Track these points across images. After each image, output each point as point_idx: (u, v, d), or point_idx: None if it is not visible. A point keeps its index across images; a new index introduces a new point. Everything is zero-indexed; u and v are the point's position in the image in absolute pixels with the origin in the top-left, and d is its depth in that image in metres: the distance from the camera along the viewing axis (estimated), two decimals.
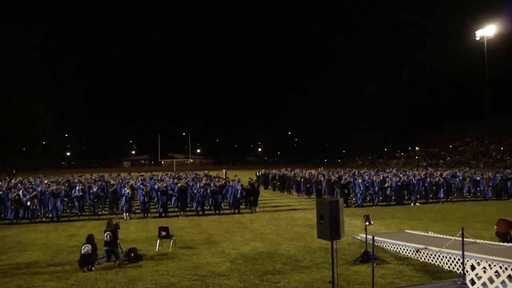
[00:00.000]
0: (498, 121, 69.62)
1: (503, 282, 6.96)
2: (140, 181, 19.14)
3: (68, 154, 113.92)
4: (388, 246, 10.31)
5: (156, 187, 17.80)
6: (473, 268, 7.38)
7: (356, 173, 25.48)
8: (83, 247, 9.13)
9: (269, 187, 29.97)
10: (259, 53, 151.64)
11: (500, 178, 22.44)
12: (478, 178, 22.75)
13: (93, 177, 25.20)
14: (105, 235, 9.69)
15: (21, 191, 16.25)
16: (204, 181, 19.31)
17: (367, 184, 19.84)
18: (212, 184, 18.03)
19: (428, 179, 20.96)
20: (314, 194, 22.51)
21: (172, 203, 18.23)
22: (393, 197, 19.96)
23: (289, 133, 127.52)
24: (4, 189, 17.01)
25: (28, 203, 15.71)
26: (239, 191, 17.85)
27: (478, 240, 9.27)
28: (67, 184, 19.85)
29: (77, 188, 17.58)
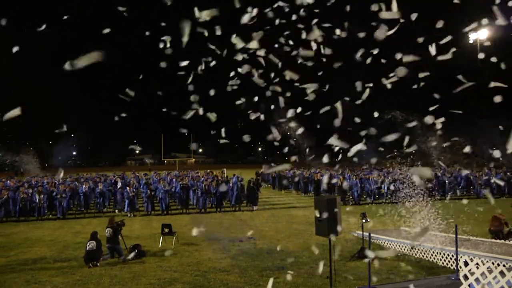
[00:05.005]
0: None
1: (495, 278, 7.18)
2: (145, 180, 19.43)
3: (74, 153, 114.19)
4: (384, 242, 10.58)
5: (160, 186, 18.05)
6: (466, 264, 7.57)
7: (353, 172, 25.69)
8: (88, 244, 9.37)
9: (269, 185, 30.21)
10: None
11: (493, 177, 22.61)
12: (471, 177, 23.06)
13: (99, 175, 25.55)
14: (106, 231, 9.95)
15: (29, 189, 16.60)
16: (205, 180, 19.53)
17: (363, 183, 20.14)
18: (214, 183, 18.27)
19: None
20: (312, 192, 22.78)
21: (177, 201, 18.48)
22: (389, 195, 20.27)
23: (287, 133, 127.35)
24: (12, 188, 17.38)
25: (36, 200, 16.05)
26: (239, 188, 18.17)
27: (471, 237, 9.55)
28: (73, 182, 20.12)
29: (83, 186, 17.88)
